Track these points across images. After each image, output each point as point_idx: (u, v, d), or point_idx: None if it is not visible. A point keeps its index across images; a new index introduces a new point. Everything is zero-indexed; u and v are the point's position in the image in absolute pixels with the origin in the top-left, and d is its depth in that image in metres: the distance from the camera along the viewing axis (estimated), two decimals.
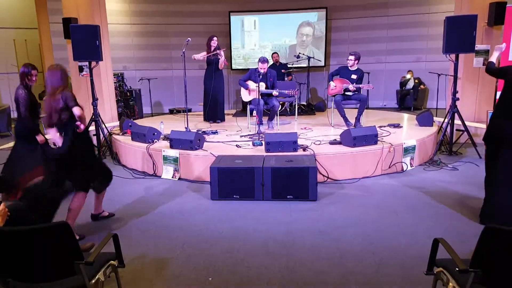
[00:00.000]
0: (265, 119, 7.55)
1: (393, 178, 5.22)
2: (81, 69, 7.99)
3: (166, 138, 5.97)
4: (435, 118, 6.99)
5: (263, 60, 6.67)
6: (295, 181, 4.43)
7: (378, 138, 5.49)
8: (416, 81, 11.21)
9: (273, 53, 10.01)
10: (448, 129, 6.28)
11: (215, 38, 7.39)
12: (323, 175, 5.09)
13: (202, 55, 7.35)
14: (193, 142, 5.31)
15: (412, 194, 4.60)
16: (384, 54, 11.83)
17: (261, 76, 6.47)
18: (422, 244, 3.36)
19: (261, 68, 6.64)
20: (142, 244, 3.50)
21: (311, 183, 4.41)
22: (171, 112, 10.79)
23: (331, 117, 7.25)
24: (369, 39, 11.77)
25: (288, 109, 9.01)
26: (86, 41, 6.30)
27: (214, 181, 4.53)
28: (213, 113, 7.65)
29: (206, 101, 7.63)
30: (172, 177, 5.39)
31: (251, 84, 6.89)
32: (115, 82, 9.11)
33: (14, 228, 2.09)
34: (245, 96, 7.00)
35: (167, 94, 12.26)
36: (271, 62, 10.20)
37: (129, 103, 9.91)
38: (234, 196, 4.52)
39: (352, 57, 6.80)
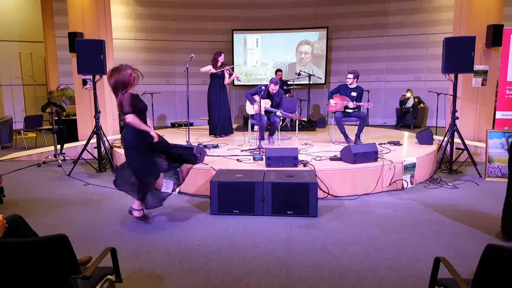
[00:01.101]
0: (265, 134, 7.53)
1: (393, 195, 5.16)
2: (84, 82, 8.00)
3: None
4: (434, 137, 6.95)
5: (276, 82, 6.72)
6: (295, 196, 4.37)
7: (378, 155, 5.44)
8: (416, 99, 11.22)
9: (277, 70, 10.04)
10: (448, 148, 6.23)
11: (223, 54, 7.44)
12: (324, 191, 5.02)
13: (209, 68, 7.38)
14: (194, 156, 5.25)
15: (413, 212, 4.53)
16: (384, 73, 11.88)
17: (263, 93, 6.46)
18: (423, 263, 3.27)
19: (272, 90, 6.70)
20: (140, 258, 3.41)
21: (311, 199, 4.34)
22: (173, 125, 10.79)
23: (332, 134, 7.22)
24: (369, 58, 11.83)
25: (289, 125, 9.00)
26: (90, 55, 6.30)
27: (214, 195, 4.47)
28: (225, 128, 7.64)
29: (216, 116, 7.58)
30: (172, 191, 5.30)
31: (258, 99, 6.86)
32: None
33: (10, 240, 2.02)
34: (250, 109, 7.01)
35: (169, 108, 12.28)
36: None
37: None
38: (234, 211, 4.44)
39: (351, 76, 6.80)
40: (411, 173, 5.52)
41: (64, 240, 1.97)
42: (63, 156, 7.20)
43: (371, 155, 5.32)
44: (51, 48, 11.88)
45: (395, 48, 11.69)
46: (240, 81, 8.06)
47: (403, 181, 5.42)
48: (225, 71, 7.40)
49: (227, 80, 7.53)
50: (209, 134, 7.74)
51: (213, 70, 7.37)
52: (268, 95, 6.78)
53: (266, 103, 6.74)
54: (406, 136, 7.87)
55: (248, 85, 11.55)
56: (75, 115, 8.73)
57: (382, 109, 11.92)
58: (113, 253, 2.36)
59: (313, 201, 4.35)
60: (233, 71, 7.58)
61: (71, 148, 7.53)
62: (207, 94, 7.58)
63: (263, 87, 6.61)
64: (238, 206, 4.45)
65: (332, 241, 3.74)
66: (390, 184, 5.33)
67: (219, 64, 7.38)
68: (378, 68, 11.87)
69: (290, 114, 6.77)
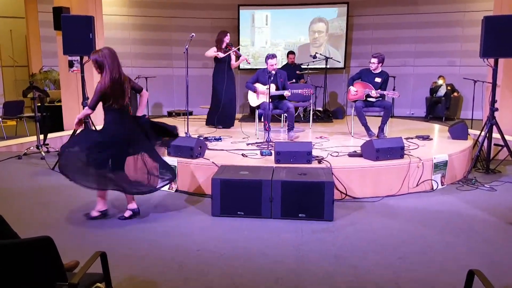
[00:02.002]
0: (277, 126, 7.53)
1: (421, 197, 5.15)
2: (71, 64, 8.04)
3: (163, 144, 5.95)
4: (470, 131, 6.92)
5: (272, 56, 6.64)
6: (308, 197, 4.38)
7: (405, 152, 5.43)
8: (449, 87, 11.13)
9: (289, 53, 9.95)
10: (485, 144, 6.19)
11: (228, 34, 7.45)
12: (341, 192, 5.03)
13: (215, 52, 7.36)
14: (194, 149, 5.30)
15: (443, 217, 4.52)
16: (412, 57, 11.79)
17: (272, 78, 6.43)
18: (453, 275, 3.27)
19: (271, 66, 6.58)
20: (133, 264, 3.46)
21: (326, 200, 4.36)
22: (170, 114, 10.84)
23: (351, 126, 7.21)
24: (396, 39, 11.74)
25: (302, 115, 9.00)
26: (78, 34, 6.30)
27: (216, 194, 4.49)
28: (225, 117, 7.64)
29: (217, 104, 7.60)
30: (169, 189, 5.35)
31: (259, 86, 6.87)
32: None
33: None
34: (253, 100, 6.98)
35: (166, 94, 12.31)
36: (284, 61, 10.22)
37: None
38: (238, 212, 4.47)
39: (375, 60, 6.76)
40: (442, 173, 5.50)
41: (49, 242, 2.00)
42: (47, 148, 7.28)
43: (396, 151, 5.30)
44: (33, 24, 11.93)
45: (425, 27, 11.57)
46: (250, 63, 8.04)
47: (433, 181, 5.41)
48: (231, 53, 7.40)
49: (233, 63, 7.53)
50: (206, 124, 7.77)
51: (221, 55, 7.34)
52: (273, 79, 6.66)
53: (270, 88, 6.68)
54: (437, 130, 7.83)
55: (256, 69, 11.52)
56: (60, 101, 8.80)
57: (410, 98, 11.84)
58: (103, 258, 2.39)
59: (329, 203, 4.36)
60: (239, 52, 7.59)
61: (56, 139, 7.59)
62: (212, 80, 7.59)
63: (268, 71, 6.56)
64: (242, 207, 4.47)
65: (349, 249, 3.75)
66: (417, 185, 5.32)
67: (225, 45, 7.38)
68: (406, 50, 11.77)
69: (300, 91, 6.73)
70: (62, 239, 3.88)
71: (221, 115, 7.59)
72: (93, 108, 4.17)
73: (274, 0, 11.82)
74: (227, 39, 7.39)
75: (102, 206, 4.48)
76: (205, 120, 8.15)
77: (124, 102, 4.22)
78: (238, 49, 7.60)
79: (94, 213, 4.44)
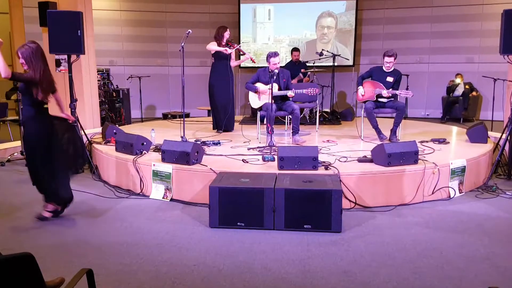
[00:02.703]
0: (280, 129, 7.52)
1: (436, 206, 5.12)
2: (58, 63, 8.05)
3: (157, 149, 5.96)
4: (490, 133, 6.89)
5: (274, 54, 6.64)
6: (314, 207, 4.35)
7: (419, 156, 5.40)
8: (467, 86, 11.12)
9: (293, 50, 9.94)
10: (507, 147, 6.17)
11: (228, 30, 7.44)
12: (350, 200, 5.01)
13: (214, 46, 7.36)
14: (190, 155, 5.28)
15: (461, 228, 4.49)
16: (427, 53, 11.79)
17: (274, 77, 6.40)
18: None
19: (274, 65, 6.58)
20: (123, 281, 3.43)
21: (334, 210, 4.33)
22: (165, 117, 10.82)
23: (361, 128, 7.18)
24: (409, 34, 11.76)
25: (307, 117, 8.97)
26: (65, 31, 6.35)
27: (214, 204, 4.47)
28: (229, 121, 7.67)
29: (217, 106, 7.61)
30: (163, 198, 5.35)
31: (260, 86, 6.86)
32: (98, 80, 9.18)
33: None
34: (255, 101, 6.97)
35: (161, 95, 12.33)
36: (288, 59, 10.21)
37: (114, 105, 9.96)
38: (238, 223, 4.45)
39: (391, 59, 6.70)
40: (460, 179, 5.47)
41: (29, 259, 1.98)
42: None
43: (409, 156, 5.28)
44: (18, 20, 11.94)
45: (441, 21, 11.57)
46: (255, 62, 8.00)
47: (450, 188, 5.38)
48: (234, 50, 7.39)
49: (234, 62, 7.51)
50: (213, 129, 7.76)
51: (230, 50, 7.33)
52: (275, 78, 6.63)
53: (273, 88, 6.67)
54: (454, 132, 7.81)
55: (258, 67, 11.52)
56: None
57: (425, 98, 11.83)
58: (89, 275, 2.37)
59: (336, 213, 4.33)
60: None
61: None
62: (209, 78, 7.59)
63: (269, 70, 6.55)
64: (243, 217, 4.45)
65: (359, 263, 3.72)
66: (433, 193, 5.29)
67: (225, 41, 7.38)
68: (421, 46, 11.78)
69: (305, 90, 6.70)
70: (48, 254, 3.87)
71: (223, 117, 7.57)
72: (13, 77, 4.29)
73: None
74: (227, 34, 7.38)
75: (53, 206, 4.68)
76: (202, 122, 8.14)
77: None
78: (239, 46, 7.59)
79: (46, 214, 4.66)
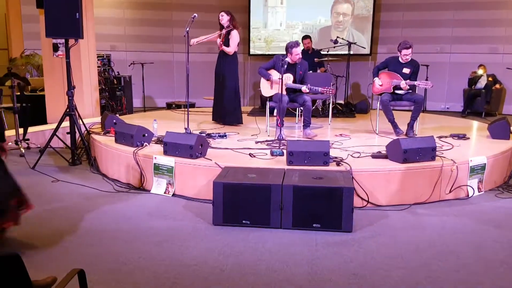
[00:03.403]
0: (291, 121, 7.49)
1: (454, 206, 5.10)
2: (55, 47, 8.06)
3: (159, 141, 5.97)
4: None
5: (296, 44, 6.60)
6: (324, 205, 4.35)
7: (437, 153, 5.38)
8: (490, 78, 11.04)
9: (304, 37, 9.87)
10: None
11: (225, 15, 7.28)
12: (362, 198, 5.00)
13: (202, 39, 7.32)
14: (194, 148, 5.28)
15: (479, 230, 4.47)
16: (449, 42, 11.70)
17: (285, 66, 6.32)
18: None
19: (296, 55, 6.56)
20: (119, 281, 3.45)
21: (345, 208, 4.32)
22: (169, 107, 10.84)
23: (376, 122, 7.16)
24: (430, 22, 11.67)
25: (320, 109, 8.94)
26: (63, 13, 6.31)
27: (218, 200, 4.48)
28: (226, 112, 7.60)
29: (216, 95, 7.60)
30: (165, 193, 5.36)
31: (274, 74, 6.82)
32: (99, 66, 9.19)
33: None
34: (266, 89, 6.93)
35: (165, 83, 12.33)
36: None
37: (115, 93, 9.97)
38: (244, 221, 4.45)
39: (408, 51, 6.67)
40: (480, 177, 5.45)
41: (16, 259, 1.99)
42: (27, 143, 7.32)
43: (426, 152, 5.25)
44: (14, 1, 11.97)
45: (464, 9, 11.48)
46: (220, 47, 7.67)
47: (469, 187, 5.36)
48: (221, 35, 7.30)
49: (223, 47, 7.37)
50: (212, 119, 7.77)
51: (202, 39, 7.32)
52: (288, 67, 6.58)
53: (287, 79, 6.65)
54: (475, 127, 7.76)
55: (268, 54, 11.52)
56: (43, 90, 8.82)
57: (445, 90, 11.76)
58: (81, 276, 2.38)
59: (347, 212, 4.33)
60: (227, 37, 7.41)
61: (38, 133, 7.63)
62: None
63: (284, 59, 6.47)
64: (249, 215, 4.45)
65: (370, 265, 3.71)
66: (450, 191, 5.27)
67: (220, 27, 7.35)
68: (442, 35, 11.69)
69: (320, 89, 6.66)
70: (39, 251, 3.90)
71: (223, 109, 7.52)
72: None
73: None
74: (220, 20, 7.28)
75: None
76: (207, 113, 8.14)
77: None
78: (228, 30, 7.41)
79: None
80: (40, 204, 5.01)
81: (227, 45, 7.23)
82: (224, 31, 7.22)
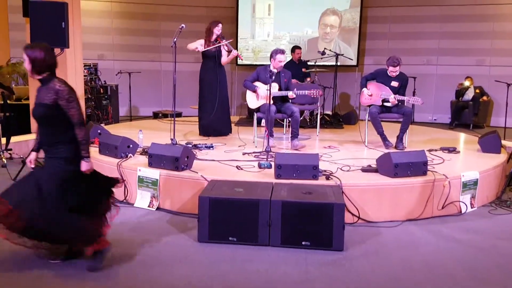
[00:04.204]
0: (278, 132, 7.36)
1: (447, 223, 4.97)
2: None
3: (145, 152, 5.79)
4: (503, 142, 6.74)
5: (281, 51, 6.58)
6: (314, 221, 4.19)
7: (428, 167, 5.25)
8: (477, 90, 11.06)
9: (295, 48, 9.82)
10: None
11: (220, 25, 7.21)
12: (353, 214, 4.83)
13: (196, 46, 7.13)
14: (180, 160, 5.10)
15: (474, 248, 4.34)
16: (435, 54, 11.73)
17: (273, 77, 6.26)
18: None
19: (279, 62, 6.51)
20: None
21: (336, 225, 4.15)
22: (156, 116, 10.68)
23: (365, 133, 7.04)
24: (417, 34, 11.72)
25: (308, 120, 8.84)
26: (48, 22, 6.24)
27: (203, 216, 4.30)
28: (218, 125, 7.40)
29: (208, 108, 7.35)
30: (149, 206, 5.17)
31: (259, 86, 6.73)
32: (85, 75, 9.02)
33: None
34: (252, 101, 6.83)
35: (152, 92, 12.24)
36: (288, 57, 10.06)
37: (101, 102, 9.80)
38: (230, 238, 4.28)
39: (396, 69, 6.61)
40: (472, 193, 5.33)
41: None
42: (10, 154, 7.13)
43: (418, 166, 5.12)
44: (1, 9, 11.81)
45: (451, 21, 11.51)
46: (242, 59, 7.83)
47: (461, 203, 5.23)
48: (221, 47, 7.17)
49: (224, 59, 7.29)
50: (199, 134, 7.52)
51: (200, 49, 7.09)
52: (275, 78, 6.54)
53: (272, 88, 6.51)
54: (464, 140, 7.66)
55: (256, 65, 11.40)
56: (27, 99, 8.64)
57: (432, 101, 11.73)
58: None
59: (338, 229, 4.16)
60: (233, 47, 7.32)
61: (21, 143, 7.46)
62: (199, 79, 7.38)
63: (270, 69, 6.45)
64: (235, 232, 4.29)
65: (363, 286, 3.57)
66: (443, 207, 5.14)
67: (214, 37, 7.16)
68: (428, 47, 11.71)
69: (307, 92, 6.63)
70: (7, 269, 3.65)
71: (215, 122, 7.33)
72: None
73: None
74: (217, 30, 7.14)
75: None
76: (194, 122, 7.96)
77: None
78: (230, 43, 7.34)
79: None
80: None
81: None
82: (224, 42, 7.11)
